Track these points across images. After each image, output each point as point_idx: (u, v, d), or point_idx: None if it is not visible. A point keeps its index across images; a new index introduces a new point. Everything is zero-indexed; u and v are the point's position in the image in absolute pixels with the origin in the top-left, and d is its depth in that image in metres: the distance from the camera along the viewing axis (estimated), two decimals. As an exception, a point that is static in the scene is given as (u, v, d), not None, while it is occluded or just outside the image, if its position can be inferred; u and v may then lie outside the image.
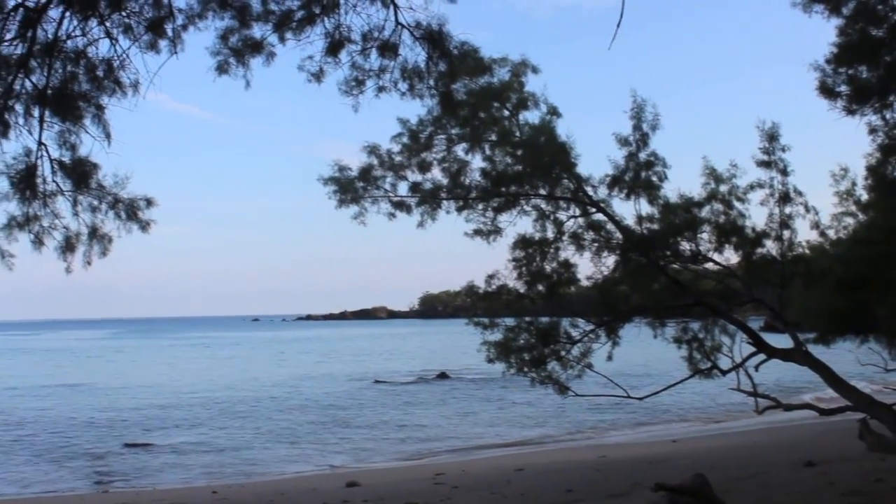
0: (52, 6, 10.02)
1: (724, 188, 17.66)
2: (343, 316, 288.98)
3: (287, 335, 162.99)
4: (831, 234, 19.27)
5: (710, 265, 18.05)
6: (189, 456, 28.71)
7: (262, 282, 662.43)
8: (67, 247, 11.69)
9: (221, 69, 11.10)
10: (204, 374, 67.45)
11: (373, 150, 18.02)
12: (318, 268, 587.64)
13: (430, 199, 18.07)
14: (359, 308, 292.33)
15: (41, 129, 10.87)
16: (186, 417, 39.26)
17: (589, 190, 17.72)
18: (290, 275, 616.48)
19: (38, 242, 11.62)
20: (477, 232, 18.12)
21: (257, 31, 11.02)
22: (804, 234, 18.12)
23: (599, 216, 17.71)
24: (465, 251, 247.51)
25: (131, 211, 11.58)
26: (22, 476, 25.46)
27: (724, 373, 17.73)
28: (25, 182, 11.14)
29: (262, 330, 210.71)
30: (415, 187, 18.24)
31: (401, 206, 18.21)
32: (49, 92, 10.55)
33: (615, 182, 17.54)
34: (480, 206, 18.02)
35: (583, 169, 17.72)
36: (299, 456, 28.74)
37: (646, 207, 17.59)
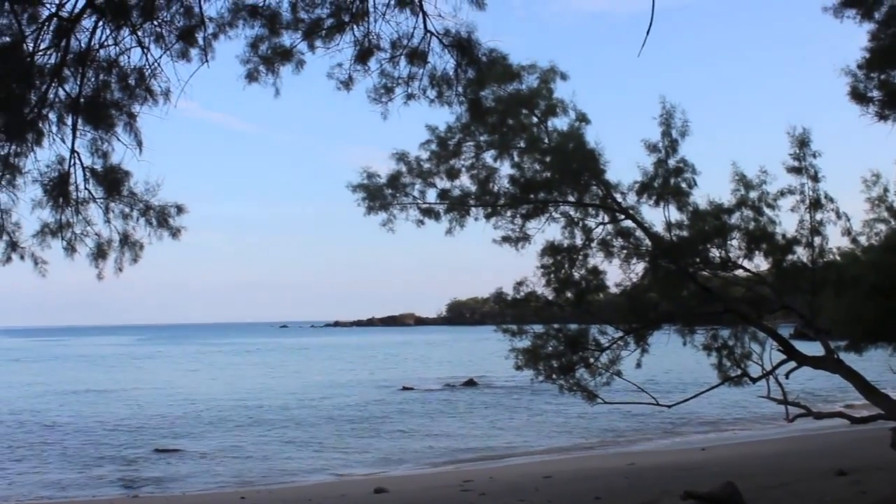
0: (85, 16, 10.14)
1: (753, 194, 17.53)
2: (371, 322, 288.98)
3: (315, 341, 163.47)
4: (863, 240, 19.06)
5: (739, 272, 17.94)
6: (218, 461, 28.84)
7: (289, 288, 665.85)
8: (99, 254, 11.84)
9: (251, 77, 11.20)
10: (232, 380, 67.78)
11: (401, 157, 18.06)
12: (345, 274, 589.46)
13: (458, 206, 18.09)
14: (386, 314, 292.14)
15: (74, 137, 11.02)
16: (215, 423, 39.46)
17: (618, 196, 17.68)
18: (318, 281, 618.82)
19: (70, 249, 11.79)
20: (505, 239, 18.13)
21: (287, 39, 11.11)
22: (835, 240, 17.98)
23: (628, 223, 17.65)
24: (494, 258, 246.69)
25: (162, 218, 11.72)
26: (53, 480, 25.67)
27: (754, 380, 17.60)
28: (58, 189, 11.29)
29: (291, 336, 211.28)
30: (443, 194, 18.26)
31: (429, 213, 18.23)
32: (82, 100, 10.67)
33: (644, 189, 17.48)
34: (509, 213, 18.02)
35: (612, 175, 17.69)
36: (327, 462, 28.80)
37: (675, 214, 17.52)
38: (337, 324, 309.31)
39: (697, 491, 15.02)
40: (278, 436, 35.01)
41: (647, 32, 7.82)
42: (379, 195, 17.90)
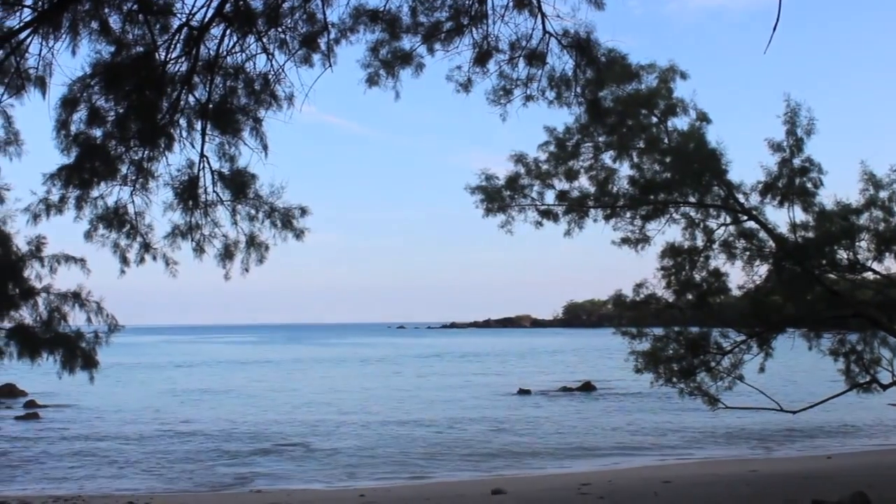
0: (213, 25, 10.47)
1: (884, 194, 17.02)
2: (487, 324, 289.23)
3: (432, 342, 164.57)
4: None
5: (868, 274, 17.42)
6: (337, 459, 29.32)
7: (406, 289, 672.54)
8: (226, 254, 12.20)
9: (372, 81, 11.39)
10: (352, 380, 68.86)
11: (519, 158, 18.14)
12: (461, 276, 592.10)
13: (577, 208, 18.07)
14: (502, 316, 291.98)
15: (203, 141, 11.41)
16: (335, 421, 40.12)
17: (740, 197, 17.40)
18: (435, 283, 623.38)
19: (199, 250, 12.19)
20: (624, 240, 18.05)
21: (407, 42, 11.25)
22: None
23: (751, 224, 17.34)
24: (611, 259, 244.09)
25: (286, 220, 12.01)
26: (177, 474, 26.51)
27: (884, 387, 17.08)
28: (188, 192, 11.70)
29: (408, 337, 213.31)
30: (562, 195, 18.27)
31: (547, 214, 18.27)
32: (210, 106, 11.03)
33: (768, 189, 17.15)
34: (628, 214, 17.92)
35: (733, 176, 17.44)
36: (445, 462, 28.97)
37: (800, 215, 17.16)
38: (453, 325, 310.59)
39: (827, 501, 14.59)
40: (396, 435, 35.39)
41: (774, 29, 7.64)
42: (497, 197, 18.02)
